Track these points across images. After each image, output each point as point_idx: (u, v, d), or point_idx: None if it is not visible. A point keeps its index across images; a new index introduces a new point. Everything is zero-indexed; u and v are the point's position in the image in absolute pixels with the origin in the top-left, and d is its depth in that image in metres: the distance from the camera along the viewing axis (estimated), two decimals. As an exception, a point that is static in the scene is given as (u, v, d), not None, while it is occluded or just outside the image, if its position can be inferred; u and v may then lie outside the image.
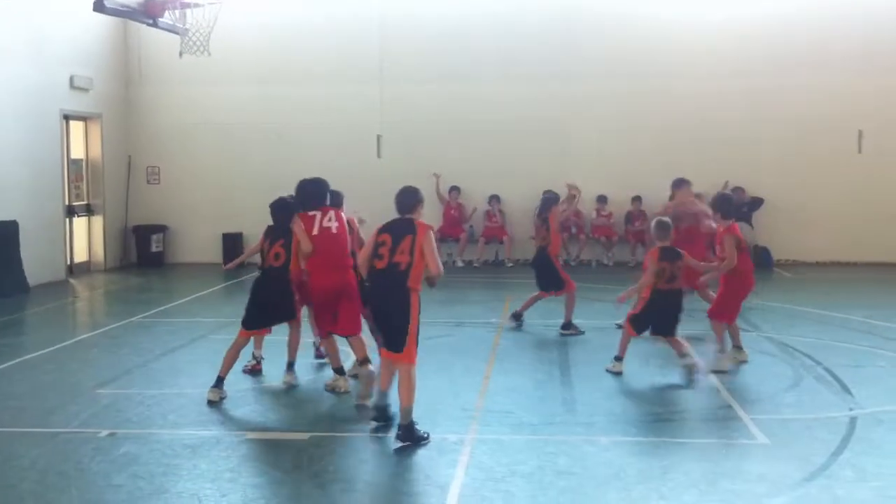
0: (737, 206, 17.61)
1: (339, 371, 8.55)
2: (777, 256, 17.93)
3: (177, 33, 13.78)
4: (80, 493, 6.13)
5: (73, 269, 17.28)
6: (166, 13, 13.26)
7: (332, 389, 8.51)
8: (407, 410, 7.01)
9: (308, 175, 8.65)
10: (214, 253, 18.56)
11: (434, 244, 7.07)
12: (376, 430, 7.34)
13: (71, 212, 17.39)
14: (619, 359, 9.25)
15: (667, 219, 9.45)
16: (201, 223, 18.97)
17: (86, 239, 18.12)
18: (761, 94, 17.99)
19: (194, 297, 14.55)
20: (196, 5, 13.56)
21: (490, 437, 7.18)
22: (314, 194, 8.42)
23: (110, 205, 18.45)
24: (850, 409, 7.90)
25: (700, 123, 18.09)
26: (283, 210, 8.53)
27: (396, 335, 7.03)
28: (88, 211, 18.09)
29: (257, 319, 8.51)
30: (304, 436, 7.24)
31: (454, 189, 18.43)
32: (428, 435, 7.06)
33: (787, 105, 17.96)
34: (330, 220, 8.25)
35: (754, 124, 18.02)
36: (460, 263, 18.07)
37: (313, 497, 6.04)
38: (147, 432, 7.37)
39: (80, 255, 17.87)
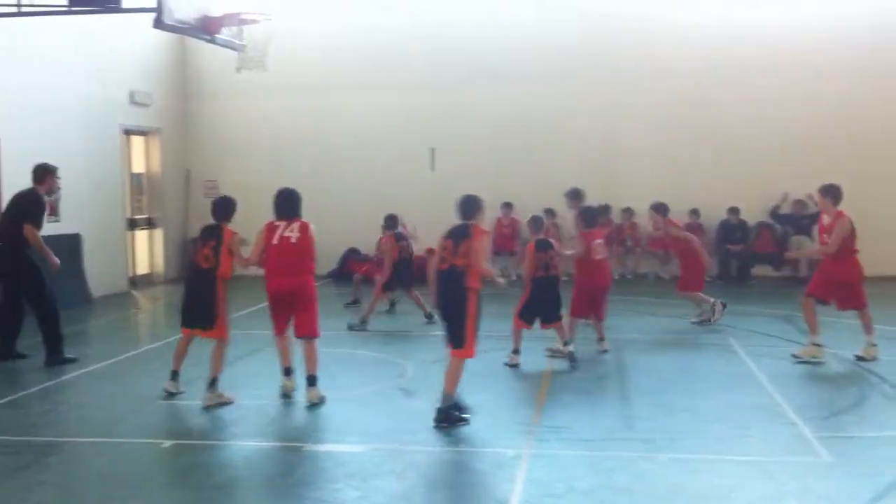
0: (797, 218, 17.47)
1: (286, 371, 8.91)
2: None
3: (234, 49, 13.94)
4: (143, 502, 6.22)
5: (134, 281, 17.59)
6: (224, 29, 13.41)
7: (283, 391, 8.87)
8: (449, 395, 7.70)
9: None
10: (271, 265, 18.71)
11: (485, 247, 7.76)
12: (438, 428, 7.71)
13: (132, 224, 17.73)
14: (516, 351, 10.14)
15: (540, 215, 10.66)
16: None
17: (147, 251, 18.45)
18: (831, 102, 17.66)
19: (250, 310, 14.67)
20: (253, 22, 13.71)
21: (547, 453, 7.13)
22: (283, 205, 8.84)
23: (169, 217, 18.78)
24: (918, 428, 7.73)
25: (760, 132, 17.87)
26: (221, 210, 8.88)
27: (456, 331, 7.67)
28: (149, 224, 18.42)
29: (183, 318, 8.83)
30: (363, 448, 7.26)
31: (506, 205, 18.39)
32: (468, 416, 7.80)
33: (860, 115, 17.56)
34: (292, 230, 8.64)
35: (814, 133, 17.73)
36: (514, 277, 18.00)
37: (372, 511, 6.05)
38: (208, 443, 7.45)
39: (142, 267, 18.20)
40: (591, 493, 6.26)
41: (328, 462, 7.01)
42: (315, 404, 8.50)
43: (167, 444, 7.40)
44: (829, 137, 17.67)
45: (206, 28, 13.24)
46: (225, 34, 13.71)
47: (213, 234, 8.73)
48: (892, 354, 10.62)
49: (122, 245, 17.20)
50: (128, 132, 17.59)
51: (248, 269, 8.92)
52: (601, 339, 10.88)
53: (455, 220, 7.88)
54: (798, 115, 17.76)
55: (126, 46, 17.02)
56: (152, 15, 11.33)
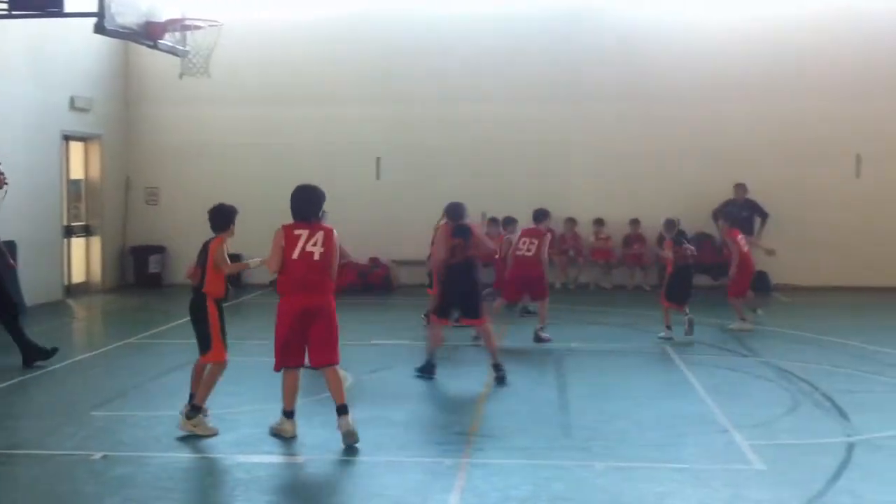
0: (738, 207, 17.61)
1: (288, 414, 7.75)
2: (776, 280, 17.90)
3: (177, 55, 13.81)
4: (72, 516, 6.11)
5: (70, 290, 17.24)
6: (167, 35, 13.28)
7: (276, 434, 7.74)
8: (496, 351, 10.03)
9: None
10: (212, 274, 18.52)
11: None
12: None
13: (69, 232, 17.38)
14: (668, 328, 12.35)
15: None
16: (200, 244, 18.89)
17: (84, 259, 18.08)
18: (759, 117, 18.13)
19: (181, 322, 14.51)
20: (196, 28, 13.59)
21: (485, 462, 7.15)
22: (305, 204, 7.89)
23: (108, 225, 18.45)
24: (848, 435, 7.87)
25: (697, 146, 18.17)
26: (212, 220, 8.34)
27: (477, 304, 9.97)
28: (87, 231, 18.08)
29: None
30: (300, 459, 7.21)
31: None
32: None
33: (787, 128, 18.08)
34: (315, 243, 7.62)
35: (753, 147, 18.11)
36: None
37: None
38: (141, 455, 7.32)
39: (78, 276, 17.84)
40: (527, 501, 6.29)
41: (260, 474, 6.92)
42: (353, 436, 7.46)
43: (98, 455, 7.26)
44: (761, 153, 18.15)
45: (148, 33, 13.10)
46: (168, 40, 13.57)
47: (203, 248, 8.20)
48: (822, 362, 10.86)
49: (58, 253, 16.84)
50: (67, 138, 17.27)
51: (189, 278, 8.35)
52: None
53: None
54: (733, 131, 18.19)
55: (67, 51, 16.70)
56: (94, 19, 11.17)
